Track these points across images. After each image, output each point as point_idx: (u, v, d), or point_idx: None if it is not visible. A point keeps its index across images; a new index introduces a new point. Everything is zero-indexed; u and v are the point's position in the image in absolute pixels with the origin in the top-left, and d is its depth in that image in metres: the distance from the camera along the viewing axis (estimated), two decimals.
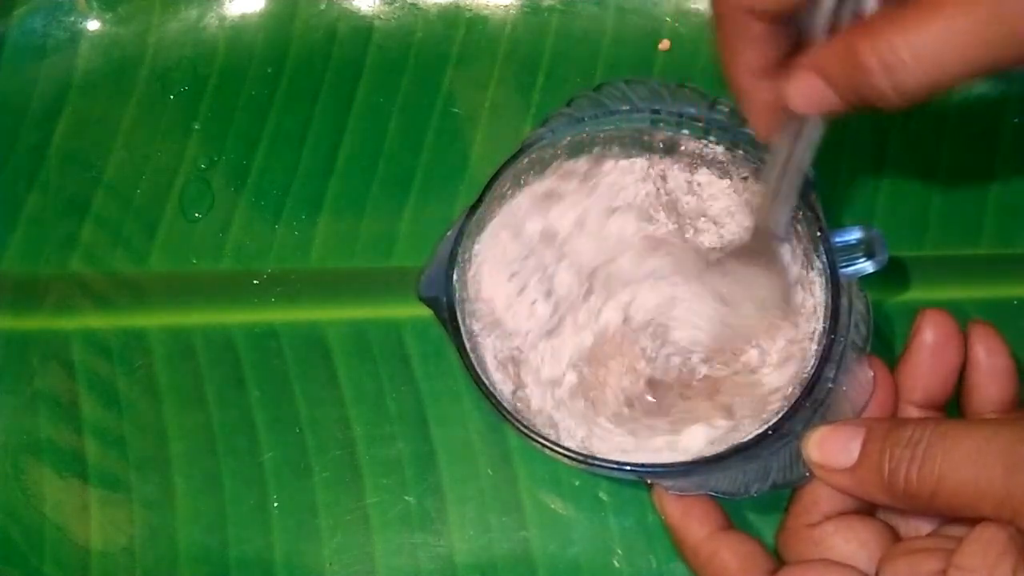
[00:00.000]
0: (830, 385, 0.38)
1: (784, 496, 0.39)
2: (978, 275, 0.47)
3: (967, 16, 0.30)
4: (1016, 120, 0.48)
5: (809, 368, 0.38)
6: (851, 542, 0.36)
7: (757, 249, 0.41)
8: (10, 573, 0.46)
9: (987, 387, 0.38)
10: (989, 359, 0.38)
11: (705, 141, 0.42)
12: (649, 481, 0.40)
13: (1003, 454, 0.32)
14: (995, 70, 0.31)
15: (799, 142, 0.37)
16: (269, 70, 0.51)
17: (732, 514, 0.39)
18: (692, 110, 0.42)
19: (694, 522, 0.38)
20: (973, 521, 0.33)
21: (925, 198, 0.47)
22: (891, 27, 0.31)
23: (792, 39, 0.35)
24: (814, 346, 0.39)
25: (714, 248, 0.42)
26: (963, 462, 0.33)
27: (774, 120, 0.37)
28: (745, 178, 0.42)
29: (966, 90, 0.48)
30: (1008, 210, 0.47)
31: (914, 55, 0.31)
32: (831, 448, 0.36)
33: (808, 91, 0.34)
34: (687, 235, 0.42)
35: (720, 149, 0.42)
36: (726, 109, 0.41)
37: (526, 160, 0.42)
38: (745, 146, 0.41)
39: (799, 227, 0.41)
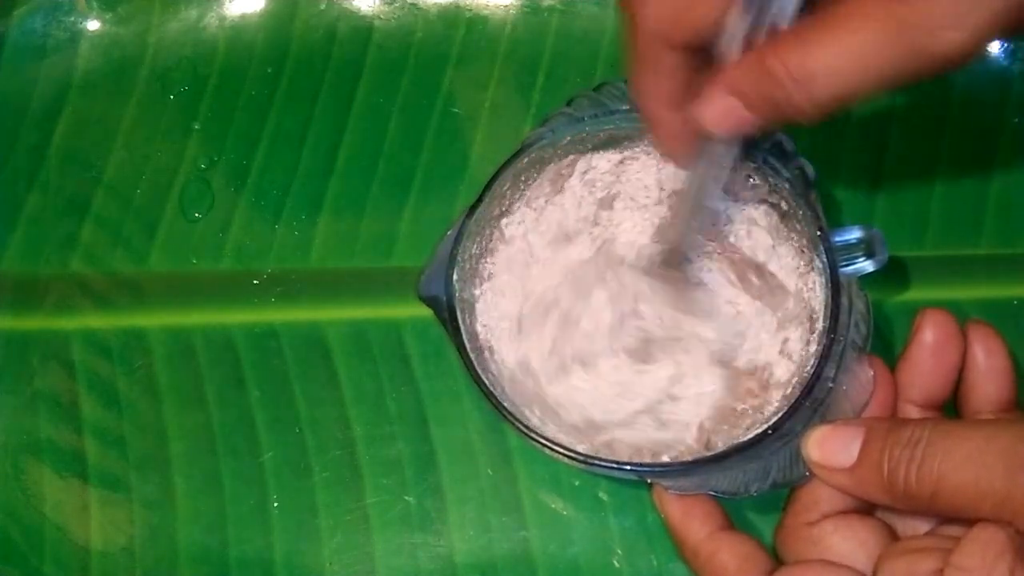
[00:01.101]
0: (830, 384, 0.38)
1: (783, 495, 0.39)
2: (978, 275, 0.47)
3: (872, 32, 0.31)
4: (1016, 120, 0.48)
5: (809, 367, 0.38)
6: (849, 541, 0.36)
7: (671, 265, 0.41)
8: (10, 573, 0.46)
9: (985, 387, 0.38)
10: (987, 360, 0.38)
11: None
12: (649, 481, 0.40)
13: (1004, 455, 0.32)
14: (902, 83, 0.32)
15: (711, 166, 0.38)
16: (269, 70, 0.51)
17: (732, 513, 0.39)
18: None
19: (694, 522, 0.38)
20: (971, 521, 0.33)
21: (925, 198, 0.47)
22: (799, 42, 0.32)
23: (701, 66, 0.35)
24: (814, 345, 0.39)
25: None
26: (963, 463, 0.33)
27: (688, 147, 0.37)
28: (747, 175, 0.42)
29: (965, 90, 0.48)
30: (1008, 210, 0.47)
31: (824, 69, 0.32)
32: (831, 448, 0.36)
33: (722, 111, 0.34)
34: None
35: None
36: None
37: (526, 160, 0.42)
38: (743, 145, 0.41)
39: (798, 225, 0.41)
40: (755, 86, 0.33)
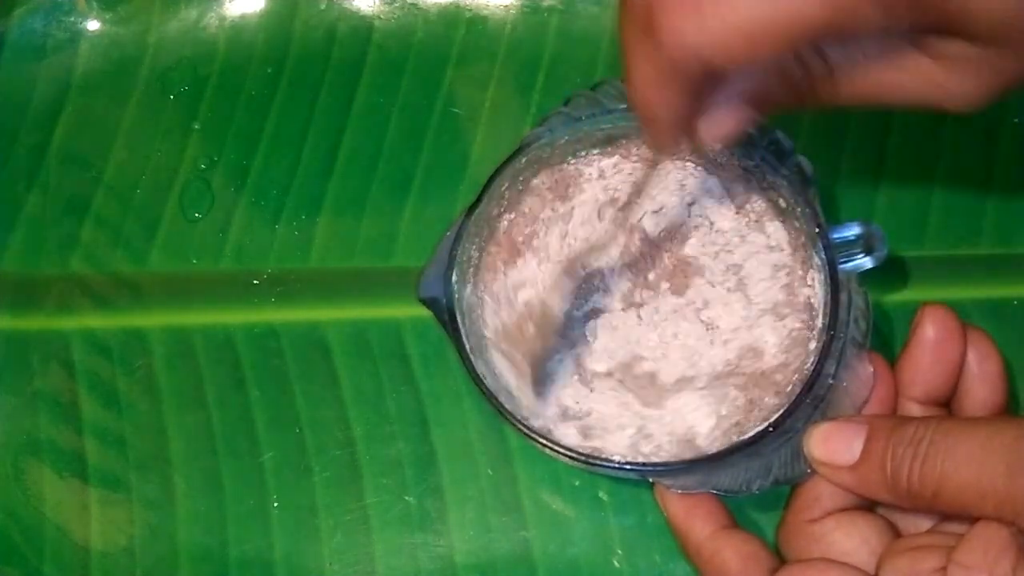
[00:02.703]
0: (830, 381, 0.38)
1: (785, 492, 0.39)
2: (978, 275, 0.47)
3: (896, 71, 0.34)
4: (1016, 120, 0.48)
5: (809, 364, 0.38)
6: (852, 538, 0.36)
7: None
8: (10, 573, 0.45)
9: (978, 391, 0.38)
10: (980, 364, 0.38)
11: None
12: (650, 480, 0.40)
13: (1005, 453, 0.32)
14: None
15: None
16: (269, 70, 0.51)
17: (735, 511, 0.39)
18: None
19: (697, 521, 0.38)
20: (973, 518, 0.33)
21: (925, 198, 0.47)
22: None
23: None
24: (814, 342, 0.39)
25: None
26: (965, 461, 0.33)
27: (672, 144, 0.36)
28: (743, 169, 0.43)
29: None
30: (1008, 210, 0.47)
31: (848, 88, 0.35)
32: (834, 445, 0.36)
33: (721, 127, 0.35)
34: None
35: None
36: None
37: (524, 160, 0.42)
38: (741, 143, 0.41)
39: (797, 223, 0.41)
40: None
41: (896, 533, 0.37)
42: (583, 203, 0.43)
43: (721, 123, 0.35)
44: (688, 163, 0.43)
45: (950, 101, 0.33)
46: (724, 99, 0.34)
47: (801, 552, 0.37)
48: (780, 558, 0.38)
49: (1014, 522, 0.32)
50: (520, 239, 0.43)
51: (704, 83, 0.32)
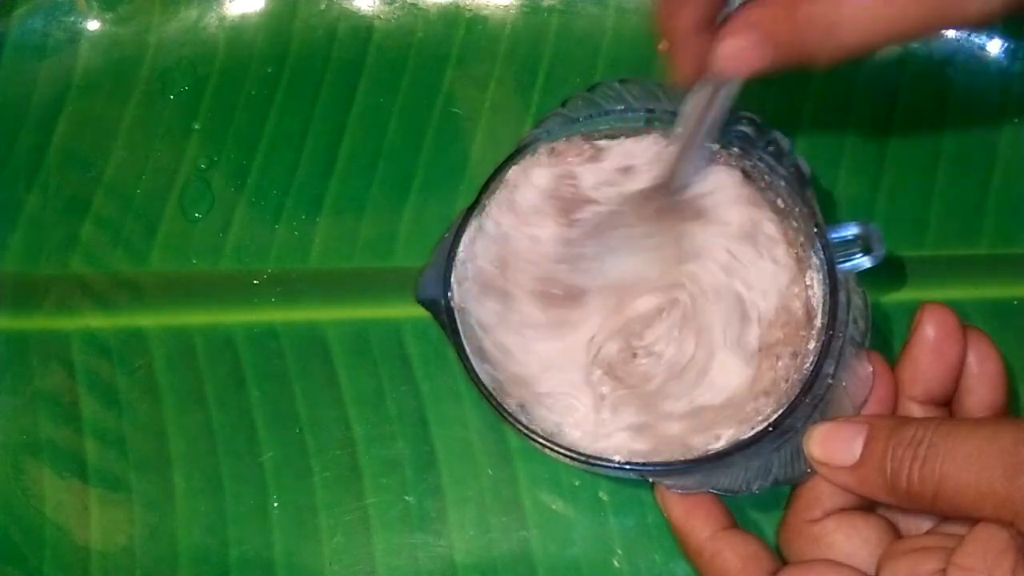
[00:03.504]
0: (829, 381, 0.38)
1: (785, 493, 0.39)
2: (978, 275, 0.47)
3: None
4: (1016, 120, 0.48)
5: (808, 364, 0.38)
6: (852, 539, 0.36)
7: (658, 202, 0.41)
8: (10, 573, 0.46)
9: (977, 391, 0.38)
10: (980, 365, 0.38)
11: None
12: (650, 480, 0.40)
13: (1004, 455, 0.32)
14: (926, 34, 0.33)
15: (715, 100, 0.38)
16: (269, 70, 0.51)
17: (735, 511, 0.39)
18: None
19: (698, 522, 0.38)
20: (973, 519, 0.33)
21: (925, 198, 0.48)
22: None
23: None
24: (813, 342, 0.39)
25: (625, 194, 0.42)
26: (965, 463, 0.33)
27: (698, 67, 0.37)
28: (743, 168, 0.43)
29: (965, 90, 0.48)
30: (1008, 210, 0.47)
31: (851, 17, 0.33)
32: (834, 446, 0.36)
33: (737, 49, 0.35)
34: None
35: (715, 147, 0.42)
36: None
37: (521, 161, 0.42)
38: (739, 143, 0.41)
39: (795, 223, 0.41)
40: (779, 27, 0.34)
41: (896, 534, 0.37)
42: (583, 203, 0.43)
43: (735, 49, 0.35)
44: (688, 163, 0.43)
45: (964, 8, 0.32)
46: (737, 27, 0.35)
47: (801, 553, 0.37)
48: (780, 559, 0.38)
49: (1013, 524, 0.32)
50: (519, 239, 0.43)
51: None
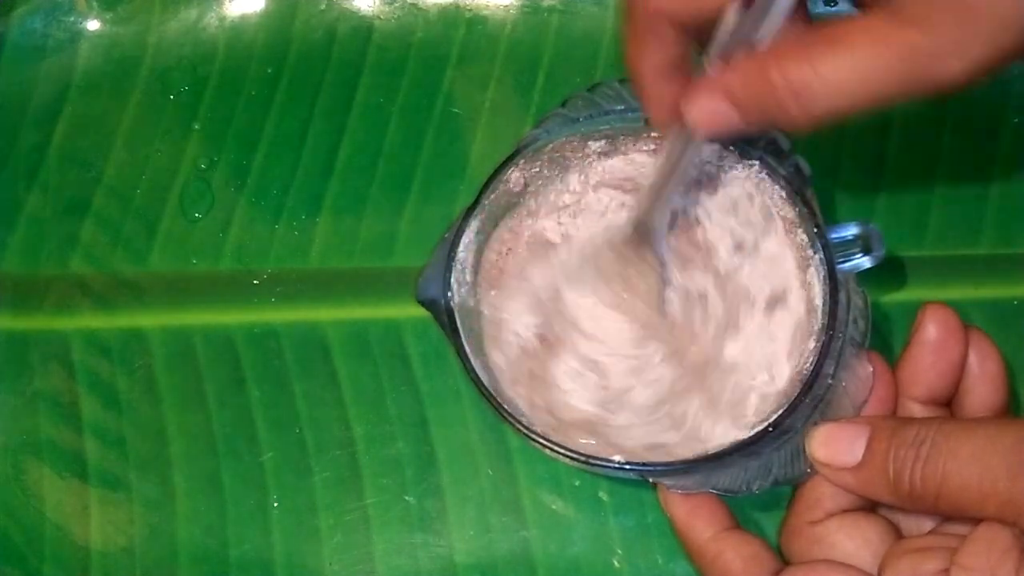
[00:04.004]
0: (829, 381, 0.38)
1: (787, 493, 0.39)
2: (978, 275, 0.47)
3: (876, 51, 0.31)
4: (1016, 120, 0.48)
5: (808, 364, 0.38)
6: (854, 539, 0.36)
7: (634, 243, 0.41)
8: (10, 573, 0.45)
9: (978, 391, 0.38)
10: (981, 365, 0.38)
11: None
12: (651, 480, 0.40)
13: (1007, 455, 0.32)
14: (897, 102, 0.32)
15: (687, 148, 0.38)
16: (269, 70, 0.51)
17: (736, 512, 0.39)
18: None
19: (699, 522, 0.38)
20: (976, 519, 0.33)
21: (925, 198, 0.48)
22: (802, 53, 0.32)
23: (694, 45, 0.36)
24: (813, 342, 0.39)
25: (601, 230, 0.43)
26: (967, 463, 0.33)
27: (671, 114, 0.37)
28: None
29: (964, 91, 0.48)
30: (1008, 210, 0.47)
31: (823, 83, 0.32)
32: (836, 447, 0.36)
33: (709, 112, 0.35)
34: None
35: (715, 146, 0.42)
36: None
37: (521, 162, 0.42)
38: (739, 143, 0.41)
39: (795, 223, 0.41)
40: (749, 91, 0.34)
41: (898, 534, 0.37)
42: (581, 203, 0.43)
43: (705, 112, 0.35)
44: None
45: (938, 72, 0.31)
46: (707, 90, 0.35)
47: (803, 554, 0.37)
48: (782, 560, 0.38)
49: (1016, 523, 0.32)
50: (518, 239, 0.43)
51: (676, 36, 0.35)
